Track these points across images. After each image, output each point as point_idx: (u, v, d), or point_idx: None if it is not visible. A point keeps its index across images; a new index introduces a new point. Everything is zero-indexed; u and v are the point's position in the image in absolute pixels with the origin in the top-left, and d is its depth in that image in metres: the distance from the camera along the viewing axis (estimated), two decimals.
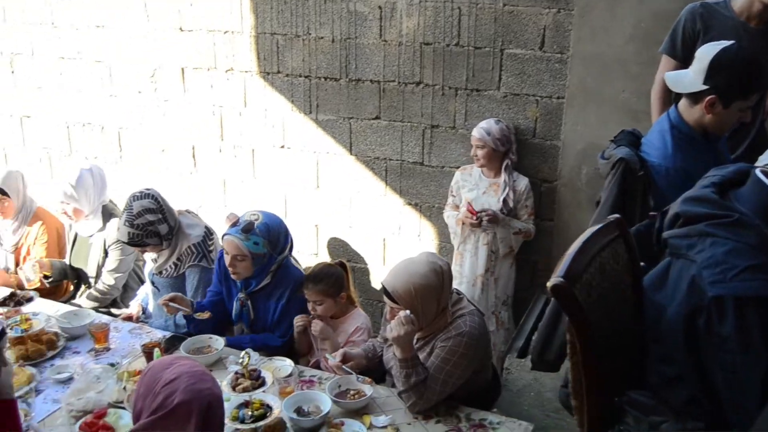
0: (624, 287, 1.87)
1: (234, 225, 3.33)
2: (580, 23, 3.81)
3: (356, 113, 4.45)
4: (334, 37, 4.37)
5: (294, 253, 4.72)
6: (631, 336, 1.88)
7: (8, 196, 4.13)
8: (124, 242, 3.66)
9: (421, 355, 2.80)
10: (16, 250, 4.24)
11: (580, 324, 1.62)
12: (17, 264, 4.22)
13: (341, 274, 3.43)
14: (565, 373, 2.14)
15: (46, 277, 4.00)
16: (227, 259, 3.31)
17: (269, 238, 3.31)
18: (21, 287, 3.94)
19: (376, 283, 4.67)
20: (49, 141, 5.45)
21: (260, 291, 3.39)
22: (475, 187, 4.07)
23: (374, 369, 3.08)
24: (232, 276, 3.36)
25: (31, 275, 3.90)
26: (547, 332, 2.56)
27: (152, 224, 3.58)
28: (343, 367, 2.96)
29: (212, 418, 1.92)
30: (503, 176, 4.00)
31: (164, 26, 4.78)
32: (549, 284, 1.61)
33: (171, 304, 3.31)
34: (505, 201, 3.97)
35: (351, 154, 4.53)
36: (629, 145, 2.65)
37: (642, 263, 1.97)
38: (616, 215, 1.94)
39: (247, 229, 3.27)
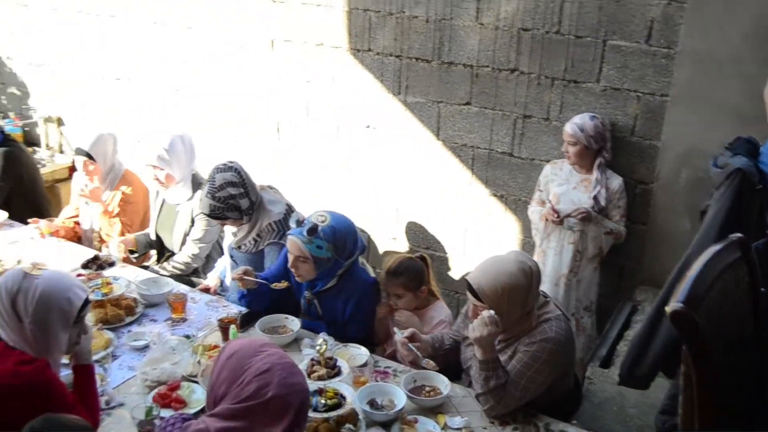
0: (744, 314, 1.72)
1: (300, 225, 3.19)
2: (692, 17, 3.58)
3: (446, 97, 4.32)
4: (428, 16, 4.24)
5: (373, 236, 4.69)
6: (750, 369, 1.72)
7: (94, 161, 4.18)
8: (205, 214, 3.65)
9: (502, 358, 2.69)
10: (103, 212, 4.30)
11: (699, 354, 1.48)
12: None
13: (421, 268, 3.34)
14: (664, 398, 2.01)
15: (131, 252, 4.05)
16: (290, 259, 3.19)
17: (334, 242, 3.14)
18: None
19: (455, 273, 4.57)
20: (141, 105, 5.51)
21: (326, 291, 3.28)
22: (565, 182, 3.91)
23: (439, 361, 2.99)
24: (296, 278, 3.25)
25: (115, 253, 3.94)
26: (639, 347, 2.41)
27: (233, 198, 3.55)
28: (409, 345, 2.88)
29: (303, 413, 1.89)
30: (595, 173, 3.82)
31: None
32: (668, 309, 1.47)
33: (245, 278, 3.27)
34: (596, 198, 3.79)
35: (438, 139, 4.41)
36: (747, 155, 2.45)
37: (762, 288, 1.81)
38: (739, 234, 1.78)
39: (311, 231, 3.10)
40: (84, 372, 2.58)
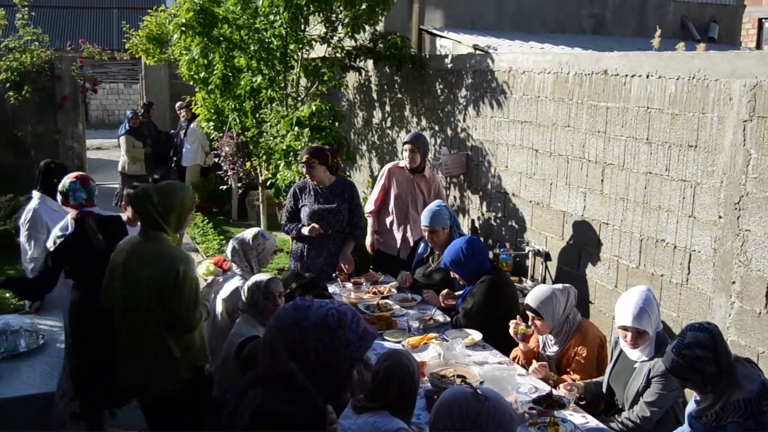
0: None
1: None
2: None
3: None
4: None
5: None
6: None
7: (542, 318, 4.37)
8: (666, 368, 3.48)
9: None
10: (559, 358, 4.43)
11: None
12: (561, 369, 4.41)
13: None
14: None
15: (579, 398, 4.07)
16: None
17: None
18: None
19: None
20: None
21: None
22: None
23: None
24: None
25: (568, 396, 4.00)
26: None
27: (699, 360, 3.33)
28: None
29: None
30: None
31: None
32: None
33: None
34: None
35: None
36: None
37: None
38: None
39: None
40: None
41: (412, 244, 6.66)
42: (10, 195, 10.46)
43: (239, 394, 2.28)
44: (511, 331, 4.54)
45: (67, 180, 4.68)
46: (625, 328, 3.93)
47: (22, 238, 5.61)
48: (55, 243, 4.90)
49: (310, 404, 2.19)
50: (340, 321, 2.24)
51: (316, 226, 5.92)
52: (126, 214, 5.21)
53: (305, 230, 5.97)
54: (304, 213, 6.06)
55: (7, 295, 7.44)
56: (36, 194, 5.65)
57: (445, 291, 5.30)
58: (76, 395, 4.89)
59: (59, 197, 4.74)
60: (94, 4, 27.69)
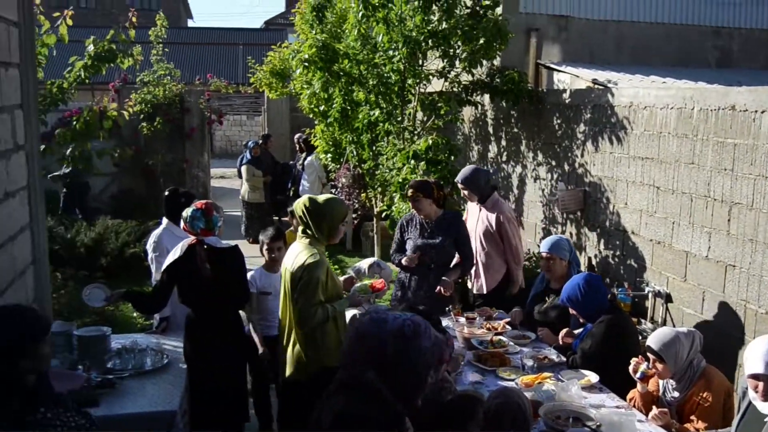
0: None
1: None
2: None
3: None
4: None
5: None
6: None
7: (664, 361, 4.18)
8: None
9: None
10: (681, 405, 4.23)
11: None
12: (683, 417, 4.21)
13: None
14: None
15: None
16: None
17: None
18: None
19: None
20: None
21: None
22: None
23: None
24: None
25: None
26: None
27: None
28: None
29: None
30: None
31: None
32: None
33: None
34: None
35: None
36: None
37: None
38: None
39: None
40: None
41: (483, 276, 6.59)
42: (138, 221, 11.07)
43: (323, 401, 2.47)
44: (631, 368, 4.38)
45: (192, 207, 4.89)
46: (756, 377, 3.69)
47: (149, 261, 5.93)
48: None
49: (390, 410, 2.36)
50: (415, 331, 2.42)
51: (413, 255, 5.97)
52: (264, 258, 5.74)
53: (404, 260, 6.04)
54: (409, 246, 6.11)
55: (135, 314, 7.89)
56: (164, 221, 5.95)
57: (565, 330, 5.18)
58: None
59: (182, 222, 4.94)
60: (221, 41, 29.12)
